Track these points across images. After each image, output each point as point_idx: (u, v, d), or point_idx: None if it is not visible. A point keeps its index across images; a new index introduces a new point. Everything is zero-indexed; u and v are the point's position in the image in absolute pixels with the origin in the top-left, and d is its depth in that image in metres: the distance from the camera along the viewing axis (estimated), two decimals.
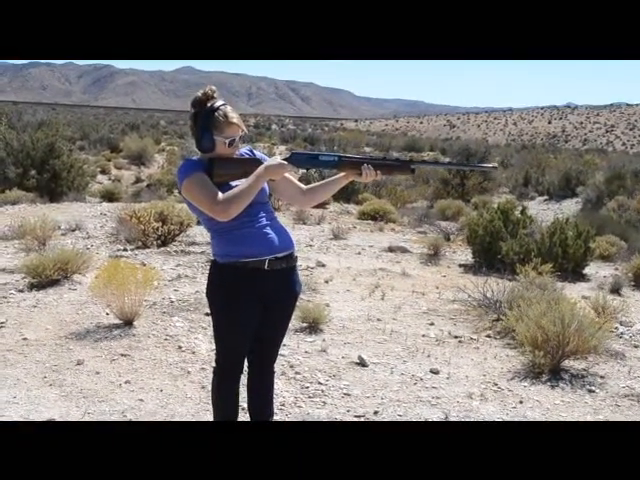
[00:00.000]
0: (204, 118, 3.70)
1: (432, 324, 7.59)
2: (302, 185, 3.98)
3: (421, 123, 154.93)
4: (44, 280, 8.23)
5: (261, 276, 3.74)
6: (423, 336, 7.15)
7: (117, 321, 6.94)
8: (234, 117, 3.72)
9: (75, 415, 4.98)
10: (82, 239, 11.49)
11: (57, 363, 6.00)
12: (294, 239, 3.99)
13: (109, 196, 18.55)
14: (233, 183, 3.70)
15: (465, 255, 12.11)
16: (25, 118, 35.12)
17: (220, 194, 3.61)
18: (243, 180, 3.67)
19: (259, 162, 3.75)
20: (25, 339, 6.53)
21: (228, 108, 3.74)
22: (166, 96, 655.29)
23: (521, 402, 5.58)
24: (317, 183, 3.99)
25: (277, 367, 6.04)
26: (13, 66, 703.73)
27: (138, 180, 23.77)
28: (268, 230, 3.77)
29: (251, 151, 3.98)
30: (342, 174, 3.86)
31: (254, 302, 3.79)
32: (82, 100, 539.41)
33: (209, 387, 5.59)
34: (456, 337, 7.15)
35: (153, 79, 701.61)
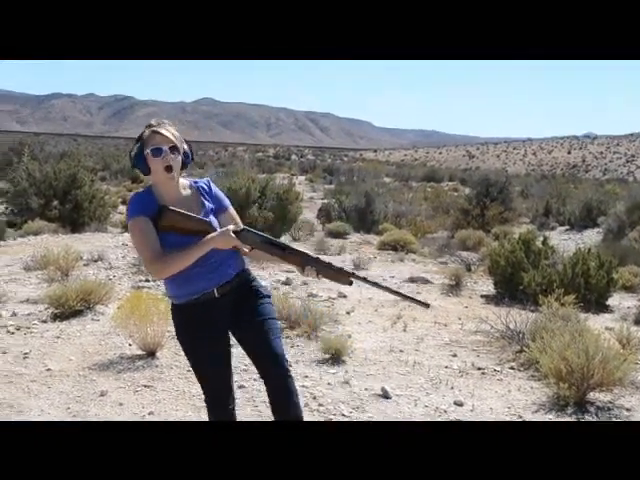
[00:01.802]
0: (136, 143, 3.71)
1: (455, 355, 7.55)
2: None
3: (440, 153, 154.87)
4: (67, 311, 8.27)
5: (216, 304, 3.80)
6: (446, 367, 7.11)
7: (140, 352, 6.96)
8: (158, 128, 3.67)
9: None
10: (104, 269, 11.54)
11: (80, 394, 6.01)
12: (241, 259, 3.95)
13: None
14: (176, 234, 3.67)
15: (487, 286, 12.06)
16: (47, 149, 35.58)
17: (157, 253, 3.60)
18: (186, 236, 3.65)
19: (208, 225, 3.70)
20: (49, 370, 6.56)
21: (154, 123, 3.72)
22: (186, 127, 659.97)
23: None
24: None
25: (300, 399, 6.05)
26: (35, 97, 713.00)
27: None
28: (214, 263, 3.76)
29: (208, 183, 3.94)
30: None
31: (217, 331, 3.86)
32: (103, 131, 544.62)
33: None
34: (479, 369, 7.11)
35: (173, 110, 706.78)
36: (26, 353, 6.99)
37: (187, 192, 3.83)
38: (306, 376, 6.63)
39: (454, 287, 11.58)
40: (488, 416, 5.86)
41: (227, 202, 3.95)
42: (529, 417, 5.86)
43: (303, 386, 6.35)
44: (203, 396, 4.04)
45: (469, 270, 13.47)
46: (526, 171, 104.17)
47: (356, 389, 6.39)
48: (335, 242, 16.06)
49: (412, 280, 12.07)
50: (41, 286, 10.01)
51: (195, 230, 3.64)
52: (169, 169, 3.64)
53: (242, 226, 3.76)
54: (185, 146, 3.79)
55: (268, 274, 11.77)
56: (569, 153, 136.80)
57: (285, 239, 16.00)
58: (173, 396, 6.05)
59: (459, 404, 6.10)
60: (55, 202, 18.98)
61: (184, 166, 3.79)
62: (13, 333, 7.70)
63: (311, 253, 3.84)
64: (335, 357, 7.09)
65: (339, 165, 70.95)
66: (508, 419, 5.80)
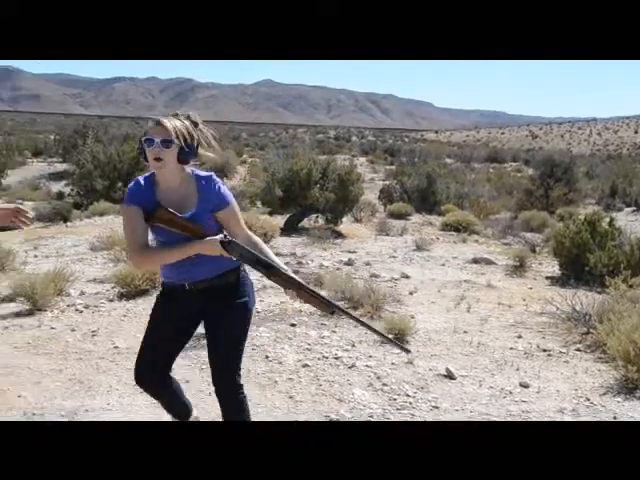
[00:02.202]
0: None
1: (520, 337, 7.46)
2: (248, 233, 3.91)
3: (503, 134, 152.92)
4: (133, 290, 8.41)
5: (187, 295, 3.87)
6: (511, 349, 7.04)
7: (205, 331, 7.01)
8: (160, 119, 3.72)
9: None
10: None
11: None
12: (229, 263, 3.87)
13: None
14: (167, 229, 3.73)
15: (552, 267, 11.88)
16: (111, 131, 36.10)
17: (140, 245, 3.70)
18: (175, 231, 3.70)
19: (199, 228, 3.70)
20: (116, 347, 6.67)
21: (178, 113, 3.81)
22: (246, 109, 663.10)
23: (615, 418, 5.44)
24: (262, 247, 3.88)
25: (364, 378, 6.07)
26: (98, 81, 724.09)
27: None
28: (196, 260, 3.76)
29: (209, 178, 3.87)
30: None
31: (176, 319, 4.02)
32: (164, 113, 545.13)
33: (296, 397, 5.65)
34: (545, 350, 7.02)
35: (233, 92, 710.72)
36: (94, 331, 7.12)
37: (184, 184, 3.82)
38: (370, 356, 6.63)
39: (518, 268, 11.44)
40: (555, 398, 5.80)
41: (229, 199, 3.89)
42: (597, 400, 5.77)
43: (367, 366, 6.36)
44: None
45: (533, 251, 13.30)
46: (591, 151, 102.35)
47: (420, 369, 6.37)
48: (397, 223, 16.02)
49: (475, 261, 11.97)
50: (107, 266, 10.18)
51: (185, 231, 3.69)
52: (157, 160, 3.68)
53: (230, 238, 3.69)
54: (190, 140, 3.75)
55: (330, 254, 11.80)
56: (636, 133, 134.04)
57: (347, 220, 16.00)
58: None
59: (525, 385, 6.04)
60: (119, 184, 19.28)
61: (183, 160, 3.75)
62: (81, 311, 7.85)
63: (296, 277, 3.79)
64: (398, 337, 7.06)
65: (400, 146, 70.51)
66: (575, 402, 5.73)
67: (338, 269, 10.39)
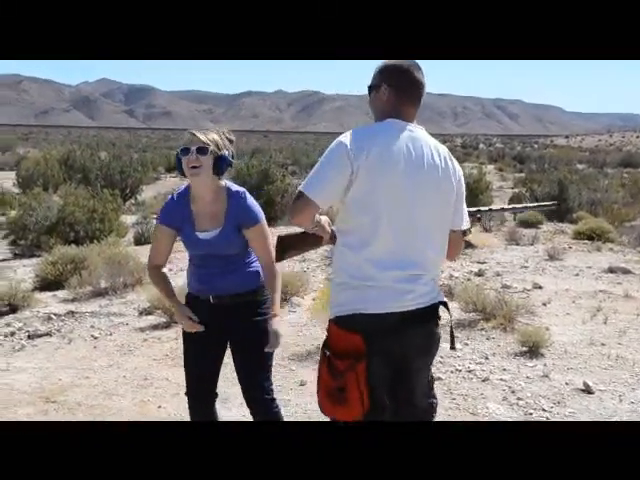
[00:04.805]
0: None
1: None
2: (269, 261, 3.85)
3: (638, 137, 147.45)
4: None
5: (212, 308, 3.91)
6: None
7: None
8: (194, 129, 3.76)
9: None
10: (298, 262, 11.79)
11: (281, 383, 6.17)
12: (253, 280, 3.96)
13: None
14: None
15: None
16: (239, 146, 36.78)
17: (154, 265, 3.99)
18: None
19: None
20: None
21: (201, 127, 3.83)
22: (372, 119, 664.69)
23: None
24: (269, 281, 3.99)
25: (498, 392, 5.97)
26: (227, 97, 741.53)
27: None
28: (216, 274, 3.86)
29: (244, 194, 3.89)
30: None
31: (206, 331, 3.94)
32: (292, 127, 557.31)
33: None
34: None
35: (360, 102, 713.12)
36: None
37: (217, 198, 3.85)
38: (504, 369, 6.52)
39: None
40: None
41: (258, 218, 3.86)
42: None
43: (501, 379, 6.26)
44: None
45: None
46: None
47: (556, 383, 6.22)
48: (527, 232, 15.68)
49: (611, 270, 11.57)
50: None
51: None
52: (192, 169, 3.71)
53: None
54: (225, 152, 3.78)
55: (460, 265, 11.68)
56: None
57: (476, 230, 15.78)
58: None
59: None
60: None
61: (218, 170, 3.77)
62: None
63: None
64: (533, 350, 6.93)
65: (529, 152, 69.16)
66: None
67: (469, 280, 10.28)
